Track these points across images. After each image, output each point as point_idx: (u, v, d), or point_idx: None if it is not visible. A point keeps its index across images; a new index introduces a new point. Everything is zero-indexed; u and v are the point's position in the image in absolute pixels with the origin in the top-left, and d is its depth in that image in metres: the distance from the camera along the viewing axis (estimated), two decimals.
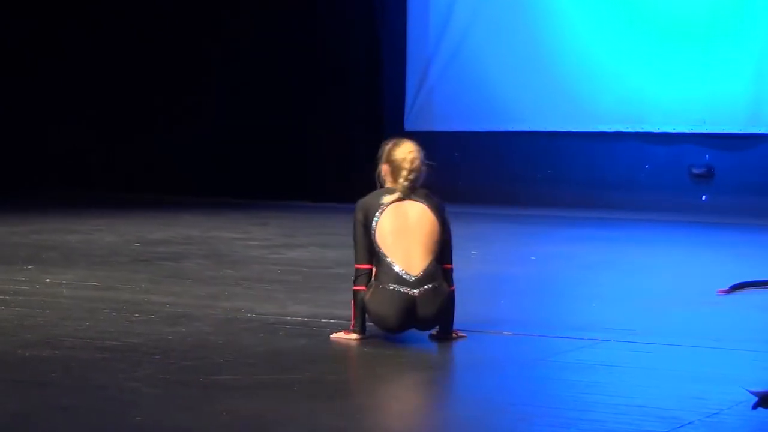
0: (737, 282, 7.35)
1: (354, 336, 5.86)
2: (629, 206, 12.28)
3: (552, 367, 5.81)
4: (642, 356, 5.64)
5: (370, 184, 14.53)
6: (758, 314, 6.47)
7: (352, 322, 5.88)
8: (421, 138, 13.58)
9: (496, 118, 12.95)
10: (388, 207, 5.72)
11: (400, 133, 13.33)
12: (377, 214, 5.69)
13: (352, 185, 13.19)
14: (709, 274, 7.42)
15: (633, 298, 7.59)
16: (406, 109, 13.88)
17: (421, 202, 5.71)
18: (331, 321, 6.53)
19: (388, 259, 5.65)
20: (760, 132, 12.56)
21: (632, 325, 6.38)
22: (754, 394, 4.06)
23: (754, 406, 4.06)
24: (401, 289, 5.56)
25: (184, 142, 14.61)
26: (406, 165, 5.67)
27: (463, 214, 12.43)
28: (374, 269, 5.76)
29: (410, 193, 5.73)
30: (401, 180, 5.69)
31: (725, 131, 12.75)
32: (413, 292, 5.56)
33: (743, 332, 6.00)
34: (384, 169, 5.81)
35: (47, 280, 7.77)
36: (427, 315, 5.67)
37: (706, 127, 12.11)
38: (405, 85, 14.04)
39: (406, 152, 5.70)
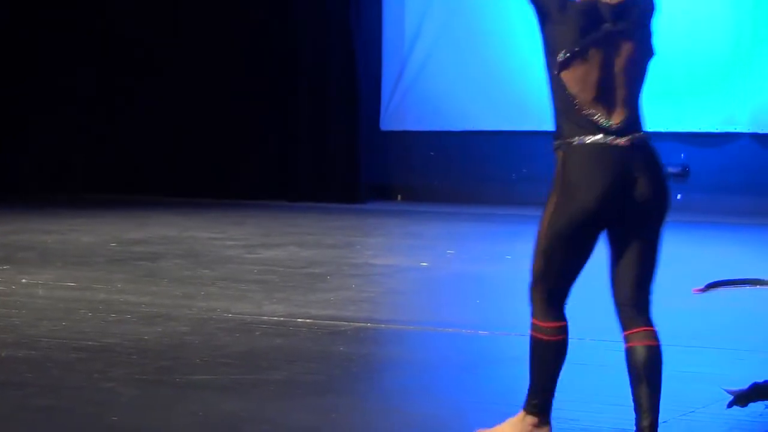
0: (713, 281, 7.41)
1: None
2: None
3: (527, 366, 5.97)
4: (617, 354, 5.67)
5: (346, 183, 14.07)
6: (731, 312, 6.56)
7: None
8: (396, 138, 12.90)
9: (470, 118, 13.12)
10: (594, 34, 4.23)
11: (376, 133, 14.01)
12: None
13: (328, 185, 13.75)
14: (683, 273, 7.47)
15: (607, 296, 7.54)
16: (382, 110, 13.88)
17: (630, 38, 4.30)
18: (307, 321, 6.54)
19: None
20: (735, 131, 12.56)
21: (607, 324, 6.36)
22: (729, 393, 4.08)
23: (729, 405, 4.08)
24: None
25: (161, 142, 14.63)
26: None
27: (440, 213, 12.56)
28: None
29: None
30: None
31: (700, 130, 12.77)
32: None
33: (717, 331, 6.07)
34: None
35: (23, 280, 7.82)
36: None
37: (681, 126, 12.33)
38: (380, 87, 14.05)
39: None
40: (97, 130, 15.36)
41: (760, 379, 4.07)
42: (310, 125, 13.93)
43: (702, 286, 6.70)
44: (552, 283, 4.11)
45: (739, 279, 7.81)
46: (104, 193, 14.70)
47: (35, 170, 15.56)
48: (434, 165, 13.80)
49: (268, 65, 14.24)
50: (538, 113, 13.96)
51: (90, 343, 5.86)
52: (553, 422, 4.40)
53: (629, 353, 4.06)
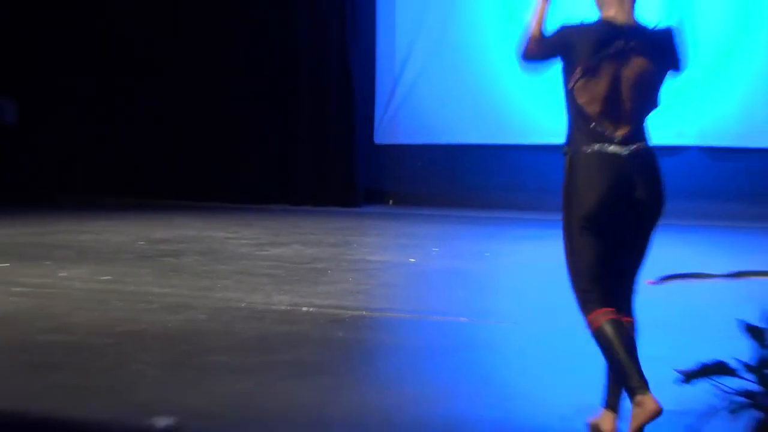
0: (666, 274, 7.59)
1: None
2: None
3: (503, 350, 6.01)
4: (580, 342, 5.23)
5: (344, 189, 13.45)
6: (682, 302, 6.49)
7: None
8: (388, 150, 12.98)
9: (455, 133, 13.07)
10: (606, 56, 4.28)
11: (371, 146, 14.01)
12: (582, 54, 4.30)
13: (328, 190, 13.67)
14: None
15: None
16: (375, 124, 13.96)
17: (642, 54, 4.31)
18: (311, 310, 6.69)
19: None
20: (684, 144, 12.45)
21: (574, 313, 6.48)
22: (680, 372, 4.01)
23: (681, 381, 3.97)
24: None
25: (161, 144, 14.35)
26: None
27: (427, 216, 12.68)
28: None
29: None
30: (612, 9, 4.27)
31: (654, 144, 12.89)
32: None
33: (670, 318, 6.02)
34: None
35: (62, 274, 7.94)
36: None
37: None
38: (374, 103, 14.01)
39: None
40: (97, 130, 14.89)
41: (707, 360, 4.00)
42: (310, 137, 13.87)
43: (656, 279, 6.92)
44: (587, 278, 4.11)
45: (692, 273, 7.93)
46: (131, 197, 14.32)
47: (37, 170, 14.89)
48: (422, 174, 13.71)
49: (274, 85, 14.03)
50: (516, 129, 13.53)
51: (120, 329, 6.03)
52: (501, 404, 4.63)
53: (615, 325, 4.05)
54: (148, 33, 14.70)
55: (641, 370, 3.95)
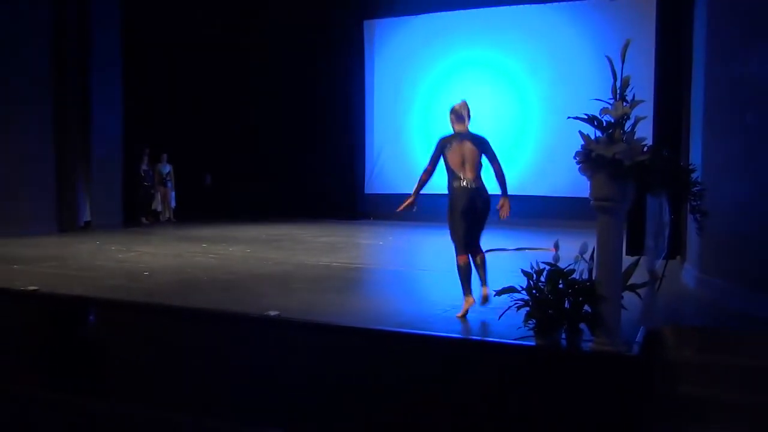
0: (493, 248, 7.60)
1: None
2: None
3: (427, 283, 6.61)
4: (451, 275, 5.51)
5: (349, 211, 14.13)
6: (495, 261, 6.11)
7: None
8: (375, 198, 14.13)
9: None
10: (455, 142, 5.10)
11: (361, 194, 14.14)
12: (448, 146, 5.05)
13: (342, 211, 14.09)
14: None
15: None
16: (366, 180, 14.29)
17: (471, 141, 5.11)
18: (335, 264, 7.69)
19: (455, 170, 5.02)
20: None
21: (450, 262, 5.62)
22: (495, 291, 4.52)
23: (496, 294, 4.48)
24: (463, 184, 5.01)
25: (278, 187, 14.35)
26: (463, 110, 5.09)
27: (390, 224, 12.90)
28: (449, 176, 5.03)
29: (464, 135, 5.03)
30: (459, 126, 5.02)
31: None
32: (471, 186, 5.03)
33: (491, 267, 5.63)
34: (450, 117, 5.18)
35: (230, 249, 9.13)
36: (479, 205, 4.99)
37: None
38: (365, 163, 14.33)
39: (459, 104, 5.18)
40: (247, 170, 14.56)
41: (506, 285, 4.40)
42: (331, 182, 14.32)
43: (485, 251, 5.53)
44: (461, 240, 4.92)
45: (508, 248, 8.50)
46: (257, 214, 14.35)
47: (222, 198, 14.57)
48: (389, 204, 13.06)
49: (298, 149, 14.38)
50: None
51: (254, 273, 7.05)
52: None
53: (479, 258, 5.00)
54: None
55: (470, 283, 4.86)
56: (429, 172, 4.87)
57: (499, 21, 12.47)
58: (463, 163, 4.93)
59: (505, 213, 4.76)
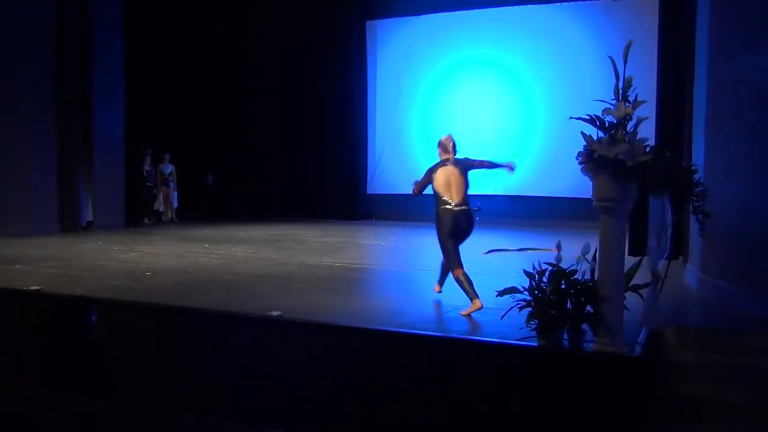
0: (494, 249, 6.31)
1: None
2: None
3: (425, 284, 6.44)
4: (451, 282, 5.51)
5: (351, 211, 13.79)
6: (501, 263, 6.17)
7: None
8: (377, 199, 14.15)
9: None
10: (441, 168, 5.41)
11: (363, 195, 14.26)
12: (435, 173, 5.38)
13: (344, 212, 14.18)
14: (478, 246, 5.84)
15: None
16: (368, 180, 14.46)
17: (455, 166, 5.42)
18: (338, 264, 7.68)
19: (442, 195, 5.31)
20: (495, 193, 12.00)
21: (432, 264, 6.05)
22: (498, 292, 4.38)
23: (499, 294, 4.30)
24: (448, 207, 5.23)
25: (278, 188, 14.39)
26: (448, 144, 5.42)
27: (391, 224, 13.12)
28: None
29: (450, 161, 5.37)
30: (445, 156, 5.35)
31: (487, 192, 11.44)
32: (456, 209, 5.27)
33: (488, 269, 6.16)
34: (438, 149, 5.52)
35: (232, 249, 9.17)
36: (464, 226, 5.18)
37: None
38: (366, 164, 14.44)
39: (445, 138, 5.49)
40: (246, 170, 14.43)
41: (509, 286, 4.34)
42: (332, 182, 14.36)
43: (487, 251, 5.42)
44: (453, 257, 5.13)
45: (510, 249, 6.04)
46: (257, 212, 14.32)
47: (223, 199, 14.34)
48: (389, 205, 14.19)
49: (300, 165, 14.43)
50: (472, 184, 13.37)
51: (256, 273, 7.01)
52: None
53: (463, 274, 5.13)
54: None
55: (474, 288, 5.00)
56: (415, 194, 5.33)
57: (501, 21, 12.59)
58: (449, 187, 5.23)
59: (511, 166, 5.14)
